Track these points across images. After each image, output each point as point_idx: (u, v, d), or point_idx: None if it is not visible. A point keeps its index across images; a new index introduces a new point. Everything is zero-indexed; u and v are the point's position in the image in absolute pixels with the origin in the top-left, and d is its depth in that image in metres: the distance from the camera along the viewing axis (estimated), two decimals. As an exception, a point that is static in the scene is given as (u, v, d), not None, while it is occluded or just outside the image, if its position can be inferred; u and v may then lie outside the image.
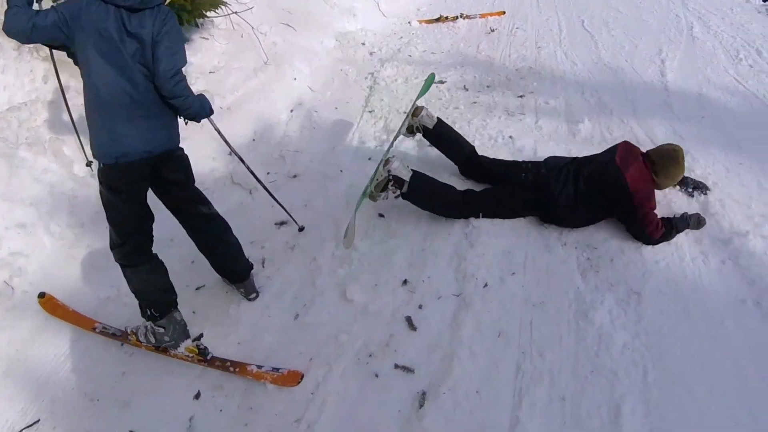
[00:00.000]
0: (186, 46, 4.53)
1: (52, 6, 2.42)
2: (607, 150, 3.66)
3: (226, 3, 5.46)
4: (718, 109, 5.23)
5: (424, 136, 4.18)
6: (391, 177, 3.58)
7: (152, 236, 2.87)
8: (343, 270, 3.47)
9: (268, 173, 4.50)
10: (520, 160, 3.99)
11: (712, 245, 3.38)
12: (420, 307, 3.15)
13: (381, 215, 3.92)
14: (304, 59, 6.24)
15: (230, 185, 4.41)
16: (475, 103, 5.46)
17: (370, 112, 5.42)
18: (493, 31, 7.97)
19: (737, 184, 3.96)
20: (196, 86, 4.91)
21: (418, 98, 4.45)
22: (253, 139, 4.93)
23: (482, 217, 3.64)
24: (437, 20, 8.70)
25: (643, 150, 3.66)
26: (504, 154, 4.28)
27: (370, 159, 4.62)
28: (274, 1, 6.90)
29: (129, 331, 2.98)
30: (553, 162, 3.74)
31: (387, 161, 3.64)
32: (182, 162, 2.90)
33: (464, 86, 5.88)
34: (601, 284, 3.17)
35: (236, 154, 3.65)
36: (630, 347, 2.77)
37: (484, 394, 2.64)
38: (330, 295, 3.32)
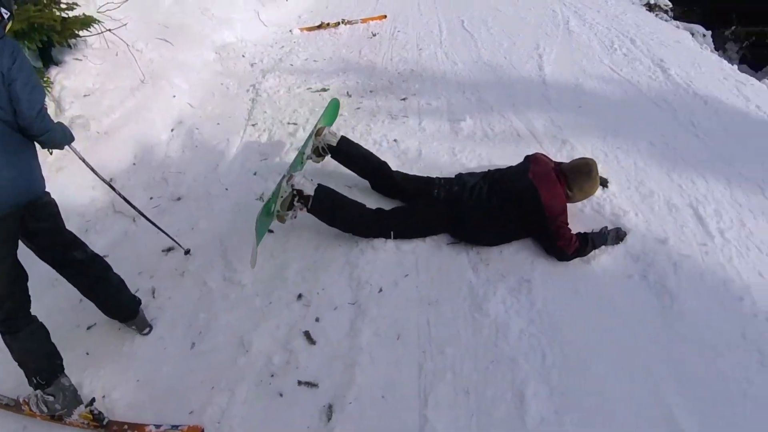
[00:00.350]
0: (59, 68, 4.29)
1: None
2: (520, 165, 3.71)
3: (98, 21, 5.16)
4: (595, 97, 5.59)
5: (332, 156, 4.12)
6: (295, 192, 3.49)
7: (29, 296, 2.67)
8: (234, 293, 3.37)
9: (151, 198, 4.33)
10: (434, 176, 3.94)
11: (596, 226, 3.56)
12: (317, 320, 3.12)
13: (270, 231, 3.81)
14: (183, 75, 6.03)
15: (113, 214, 4.19)
16: (358, 108, 5.48)
17: (254, 125, 5.30)
18: (374, 35, 8.07)
19: (616, 167, 4.26)
20: (71, 111, 4.71)
21: (319, 122, 4.40)
22: (134, 163, 4.71)
23: (393, 237, 3.55)
24: (319, 27, 8.69)
25: (555, 161, 3.79)
26: (390, 158, 4.29)
27: (255, 174, 4.52)
28: (149, 16, 6.63)
29: (22, 400, 2.77)
30: (465, 178, 3.74)
31: (290, 177, 3.54)
32: (49, 209, 2.73)
33: (347, 92, 5.90)
34: (492, 276, 3.26)
35: (105, 181, 3.46)
36: (526, 333, 2.87)
37: (389, 398, 2.64)
38: (224, 318, 3.22)
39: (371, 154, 4.15)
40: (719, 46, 13.69)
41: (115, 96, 5.15)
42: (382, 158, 4.15)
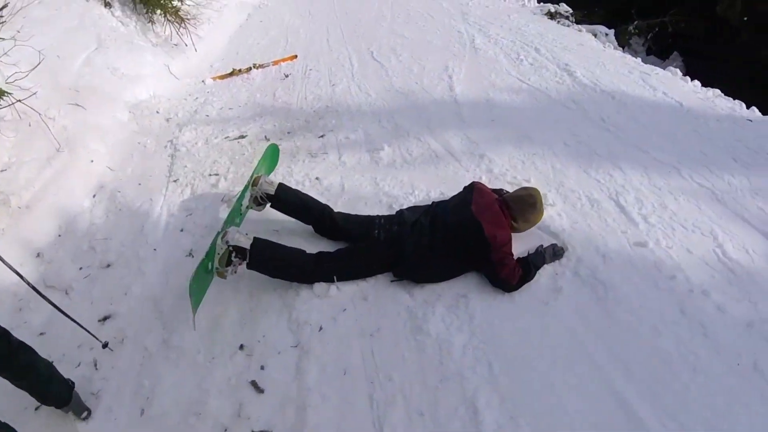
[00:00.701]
0: None
1: None
2: (460, 197, 3.71)
3: (8, 92, 5.03)
4: (506, 109, 5.83)
5: (271, 205, 4.07)
6: (231, 248, 3.44)
7: None
8: (175, 354, 3.30)
9: (80, 268, 4.17)
10: (375, 215, 3.92)
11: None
12: (262, 367, 3.09)
13: None
14: (99, 138, 5.90)
15: (45, 290, 3.98)
16: (277, 151, 5.47)
17: (175, 181, 5.22)
18: (287, 76, 8.14)
19: (534, 172, 4.47)
20: None
21: (256, 170, 4.36)
22: (59, 235, 4.55)
23: (336, 280, 3.51)
24: (231, 74, 8.68)
25: (496, 190, 3.87)
26: (315, 195, 4.29)
27: (182, 230, 4.45)
28: (58, 82, 6.45)
29: None
30: (406, 215, 3.73)
31: (224, 233, 3.50)
32: None
33: (265, 136, 5.90)
34: (429, 297, 3.31)
35: (12, 268, 3.24)
36: (470, 346, 2.93)
37: (345, 433, 2.63)
38: (169, 380, 3.14)
39: (311, 199, 4.10)
40: (623, 43, 14.54)
41: (32, 168, 4.98)
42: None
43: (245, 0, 14.73)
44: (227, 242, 3.45)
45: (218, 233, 3.58)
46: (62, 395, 2.94)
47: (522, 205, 3.56)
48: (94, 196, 5.10)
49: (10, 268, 3.03)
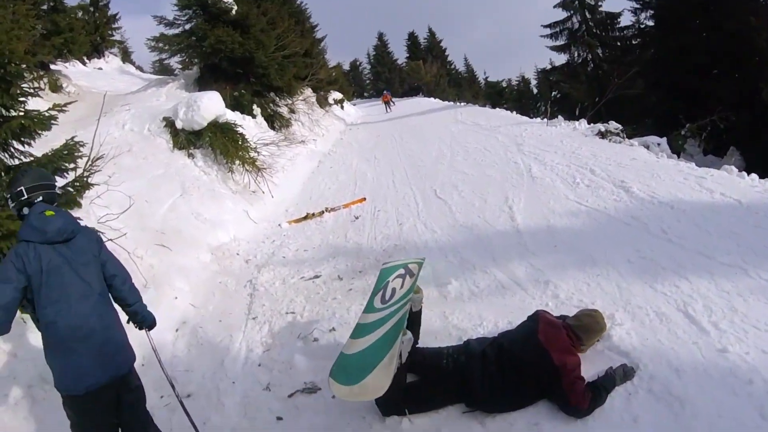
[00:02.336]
0: None
1: None
2: (526, 326, 3.74)
3: (101, 231, 5.57)
4: (567, 233, 6.00)
5: None
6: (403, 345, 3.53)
7: None
8: None
9: (161, 396, 4.41)
10: (444, 346, 3.93)
11: (591, 348, 3.75)
12: None
13: (279, 418, 3.93)
14: (183, 277, 6.39)
15: None
16: (350, 290, 5.77)
17: (254, 318, 5.55)
18: (357, 218, 8.64)
19: (600, 293, 4.53)
20: None
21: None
22: (143, 365, 4.81)
23: (408, 413, 3.53)
24: (305, 218, 9.30)
25: (561, 317, 3.88)
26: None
27: (260, 365, 4.68)
28: (146, 224, 7.14)
29: None
30: (473, 345, 3.77)
31: (405, 332, 3.57)
32: (136, 381, 3.24)
33: (338, 276, 6.22)
34: (501, 426, 3.32)
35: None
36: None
37: None
38: None
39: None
40: (678, 149, 14.59)
41: None
42: None
43: (315, 149, 15.88)
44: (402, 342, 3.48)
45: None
46: None
47: (589, 333, 3.64)
48: (177, 330, 5.47)
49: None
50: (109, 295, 3.13)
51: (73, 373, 2.78)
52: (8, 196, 3.05)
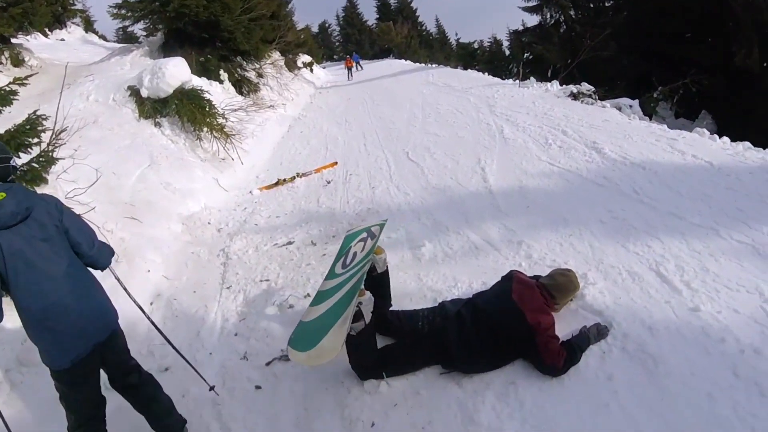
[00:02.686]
0: None
1: None
2: (500, 287, 3.76)
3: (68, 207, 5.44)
4: (540, 194, 5.99)
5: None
6: (358, 307, 3.46)
7: (105, 418, 3.11)
8: None
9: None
10: (419, 308, 3.94)
11: (565, 307, 3.79)
12: None
13: (258, 387, 3.89)
14: (155, 249, 6.25)
15: (104, 390, 4.15)
16: (324, 255, 5.70)
17: (228, 288, 5.46)
18: (329, 183, 8.55)
19: (573, 253, 4.54)
20: None
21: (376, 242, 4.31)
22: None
23: (386, 377, 3.55)
24: (276, 184, 9.18)
25: (534, 277, 3.89)
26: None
27: (236, 334, 4.62)
28: (114, 197, 6.95)
29: None
30: (447, 307, 3.79)
31: (362, 292, 3.52)
32: (121, 340, 3.21)
33: (311, 241, 6.15)
34: (478, 387, 3.32)
35: (141, 308, 3.76)
36: (522, 433, 2.90)
37: None
38: None
39: (390, 294, 4.23)
40: (650, 112, 14.72)
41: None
42: None
43: (285, 113, 15.62)
44: (359, 303, 3.45)
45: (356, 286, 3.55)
46: (176, 427, 3.40)
47: (563, 292, 3.66)
48: (151, 303, 5.34)
49: (135, 302, 3.71)
50: (79, 261, 3.01)
51: (57, 350, 2.79)
52: None
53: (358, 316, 3.42)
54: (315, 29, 61.22)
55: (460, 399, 3.25)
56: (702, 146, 6.58)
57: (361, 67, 33.83)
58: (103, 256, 3.20)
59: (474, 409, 3.15)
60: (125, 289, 3.64)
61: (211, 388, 3.84)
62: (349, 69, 31.88)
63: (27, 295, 2.71)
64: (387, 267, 4.19)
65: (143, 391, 3.30)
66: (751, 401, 2.74)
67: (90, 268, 3.10)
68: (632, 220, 4.85)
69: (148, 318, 3.78)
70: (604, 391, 3.02)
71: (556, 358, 3.21)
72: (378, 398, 3.44)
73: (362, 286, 3.56)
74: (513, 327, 3.36)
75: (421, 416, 3.23)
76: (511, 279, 3.70)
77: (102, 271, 3.22)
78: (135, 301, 3.68)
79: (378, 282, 4.09)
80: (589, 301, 3.77)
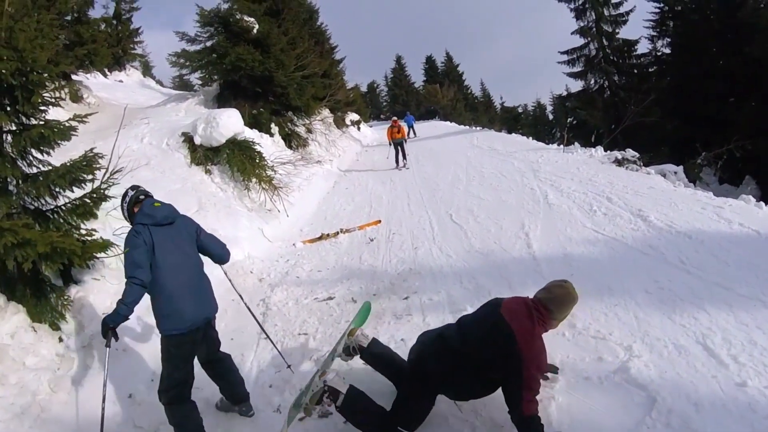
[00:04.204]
0: (78, 287, 5.29)
1: None
2: (488, 305, 3.71)
3: (115, 244, 5.59)
4: (584, 261, 5.97)
5: (360, 356, 4.21)
6: (326, 388, 3.61)
7: (192, 384, 3.91)
8: None
9: None
10: None
11: (603, 381, 3.77)
12: None
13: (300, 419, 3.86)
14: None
15: (132, 429, 4.30)
16: (365, 313, 5.71)
17: (266, 338, 5.51)
18: (372, 240, 8.63)
19: (617, 323, 4.50)
20: (91, 328, 4.97)
21: (353, 323, 4.68)
22: (152, 380, 4.77)
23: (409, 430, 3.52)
24: (320, 238, 9.29)
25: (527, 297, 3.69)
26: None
27: (271, 386, 4.66)
28: None
29: None
30: (420, 341, 3.83)
31: (323, 372, 3.72)
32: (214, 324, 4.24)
33: (352, 298, 6.20)
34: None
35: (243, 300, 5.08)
36: None
37: None
38: None
39: (398, 356, 4.19)
40: (694, 178, 14.56)
41: (132, 315, 5.31)
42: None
43: (331, 169, 15.94)
44: (324, 382, 3.62)
45: (316, 372, 3.79)
46: (244, 394, 4.29)
47: (561, 305, 3.49)
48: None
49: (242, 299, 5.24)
50: (202, 264, 4.16)
51: (179, 317, 3.73)
52: (123, 200, 4.05)
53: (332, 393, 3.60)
54: (364, 88, 62.75)
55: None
56: (749, 214, 6.53)
57: (415, 133, 28.26)
58: (226, 254, 4.45)
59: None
60: (231, 282, 5.28)
61: (288, 366, 4.80)
62: (397, 143, 17.20)
63: (166, 274, 3.74)
64: (372, 338, 4.27)
65: (225, 364, 4.28)
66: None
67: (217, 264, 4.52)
68: (678, 291, 4.80)
69: (248, 309, 5.23)
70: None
71: (531, 399, 3.15)
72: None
73: (329, 367, 4.00)
74: (498, 340, 3.30)
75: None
76: (501, 299, 3.65)
77: (224, 264, 4.62)
78: (239, 294, 5.28)
79: (374, 356, 4.16)
80: (633, 374, 3.71)
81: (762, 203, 7.01)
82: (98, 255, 5.28)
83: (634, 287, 5.03)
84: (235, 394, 4.27)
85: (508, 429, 3.44)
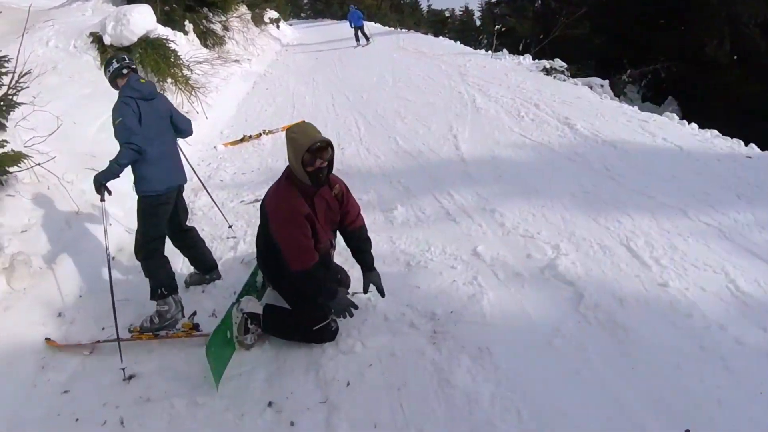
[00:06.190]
0: None
1: None
2: None
3: (28, 156, 5.19)
4: (512, 165, 6.07)
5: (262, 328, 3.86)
6: (246, 316, 3.59)
7: (165, 240, 4.34)
8: (203, 413, 3.28)
9: (103, 328, 4.22)
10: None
11: (532, 277, 3.90)
12: (292, 423, 3.08)
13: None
14: (116, 201, 5.92)
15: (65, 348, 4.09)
16: (292, 213, 5.58)
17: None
18: (296, 141, 8.33)
19: (545, 223, 4.63)
20: (10, 248, 4.63)
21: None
22: (80, 295, 4.60)
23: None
24: (242, 140, 9.02)
25: None
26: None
27: (203, 292, 4.55)
28: (75, 147, 6.63)
29: (131, 327, 4.15)
30: None
31: (238, 303, 3.67)
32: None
33: (278, 199, 6.01)
34: (453, 349, 3.34)
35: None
36: (497, 396, 2.95)
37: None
38: None
39: None
40: (619, 93, 14.99)
41: (52, 230, 5.11)
42: None
43: (250, 69, 15.27)
44: (242, 310, 3.60)
45: (233, 304, 3.72)
46: (212, 263, 4.70)
47: (290, 146, 3.42)
48: (113, 258, 5.17)
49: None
50: (176, 137, 4.52)
51: (158, 180, 4.14)
52: (115, 60, 4.22)
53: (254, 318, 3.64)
54: (283, -16, 59.51)
55: (436, 361, 3.26)
56: (672, 130, 6.77)
57: (367, 38, 20.43)
58: (190, 129, 4.70)
59: (450, 371, 3.16)
60: (188, 161, 5.21)
61: (230, 226, 5.54)
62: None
63: (148, 142, 4.04)
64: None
65: (193, 234, 4.68)
66: (716, 374, 2.85)
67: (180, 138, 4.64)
68: (603, 196, 4.97)
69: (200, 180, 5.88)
70: (576, 358, 3.09)
71: (296, 261, 3.37)
72: (353, 358, 3.43)
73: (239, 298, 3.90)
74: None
75: (397, 377, 3.23)
76: None
77: (187, 137, 4.77)
78: (193, 169, 5.44)
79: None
80: (561, 271, 3.85)
81: (684, 121, 7.29)
82: (10, 169, 5.01)
83: (561, 190, 5.19)
84: (205, 261, 4.67)
85: (440, 316, 3.60)
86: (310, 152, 3.28)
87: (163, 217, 4.26)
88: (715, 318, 3.24)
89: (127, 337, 3.98)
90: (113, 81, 4.27)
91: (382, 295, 3.72)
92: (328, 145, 3.36)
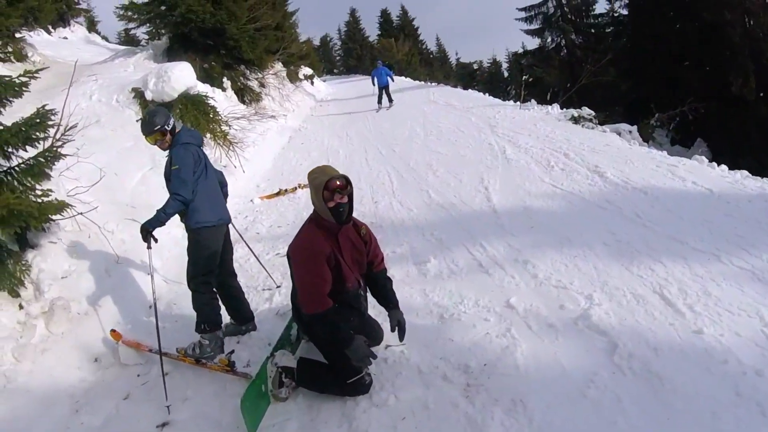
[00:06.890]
0: (35, 251, 5.20)
1: None
2: None
3: (71, 205, 5.44)
4: (544, 215, 6.13)
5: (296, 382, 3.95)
6: (280, 370, 3.66)
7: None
8: None
9: (138, 375, 4.37)
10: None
11: (565, 328, 3.90)
12: None
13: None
14: (155, 253, 6.23)
15: (102, 392, 4.20)
16: (326, 267, 5.69)
17: None
18: (331, 195, 8.50)
19: (578, 273, 4.65)
20: (50, 293, 4.89)
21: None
22: (117, 343, 4.74)
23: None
24: (278, 194, 9.28)
25: None
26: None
27: (238, 343, 4.64)
28: (116, 198, 6.98)
29: (177, 349, 4.41)
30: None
31: (272, 356, 3.76)
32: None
33: (315, 252, 6.14)
34: (486, 402, 3.34)
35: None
36: (533, 448, 2.95)
37: None
38: None
39: None
40: (647, 137, 14.99)
41: (91, 276, 5.33)
42: None
43: (286, 124, 15.73)
44: (276, 364, 3.68)
45: (267, 358, 3.80)
46: (249, 315, 4.80)
47: (312, 186, 3.64)
48: (150, 307, 5.29)
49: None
50: None
51: (212, 212, 4.43)
52: (164, 122, 4.41)
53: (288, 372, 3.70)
54: (317, 42, 61.40)
55: (469, 414, 3.26)
56: (701, 173, 6.77)
57: (390, 99, 18.17)
58: (225, 182, 5.04)
59: (483, 424, 3.16)
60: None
61: (278, 287, 5.50)
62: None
63: (206, 182, 4.43)
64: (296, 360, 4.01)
65: (236, 284, 4.85)
66: (752, 420, 2.83)
67: None
68: (635, 244, 4.98)
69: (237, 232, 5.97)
70: (612, 409, 3.07)
71: (308, 304, 3.49)
72: (386, 411, 3.44)
73: (273, 352, 3.91)
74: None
75: (430, 430, 3.23)
76: None
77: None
78: (231, 222, 5.03)
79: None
80: (595, 321, 3.86)
81: (714, 164, 7.30)
82: (54, 217, 5.20)
83: (593, 239, 5.20)
84: (243, 312, 4.76)
85: (474, 369, 3.60)
86: (328, 189, 3.51)
87: (215, 249, 4.45)
88: (751, 363, 3.21)
89: (174, 355, 4.37)
90: (162, 129, 4.41)
91: (401, 338, 3.80)
92: (345, 180, 3.57)
